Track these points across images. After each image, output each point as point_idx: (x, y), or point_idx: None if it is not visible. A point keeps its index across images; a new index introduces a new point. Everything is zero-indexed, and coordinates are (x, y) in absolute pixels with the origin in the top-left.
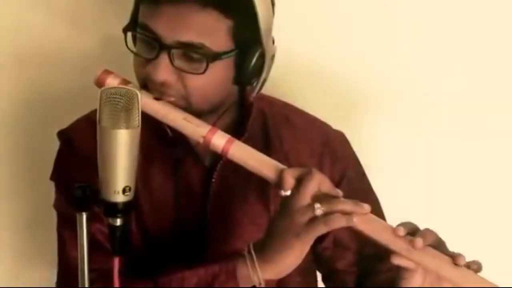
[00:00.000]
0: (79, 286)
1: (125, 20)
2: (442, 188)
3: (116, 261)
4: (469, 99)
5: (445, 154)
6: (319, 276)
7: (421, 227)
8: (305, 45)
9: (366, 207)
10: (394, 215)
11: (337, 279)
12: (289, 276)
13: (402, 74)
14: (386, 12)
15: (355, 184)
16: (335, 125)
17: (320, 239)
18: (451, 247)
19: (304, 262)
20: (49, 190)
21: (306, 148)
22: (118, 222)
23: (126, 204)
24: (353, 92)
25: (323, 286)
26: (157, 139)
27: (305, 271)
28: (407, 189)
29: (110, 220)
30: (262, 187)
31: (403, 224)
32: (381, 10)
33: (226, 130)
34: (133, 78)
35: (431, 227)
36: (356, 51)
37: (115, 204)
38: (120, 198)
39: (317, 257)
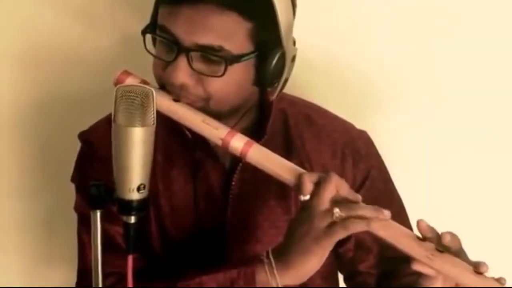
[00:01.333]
0: (93, 283)
1: (142, 19)
2: (455, 186)
3: (130, 259)
4: (483, 97)
5: (459, 152)
6: (340, 277)
7: (436, 225)
8: (319, 42)
9: (386, 213)
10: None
11: (359, 280)
12: (310, 279)
13: (416, 72)
14: (401, 8)
15: (378, 184)
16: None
17: (341, 242)
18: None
19: (324, 266)
20: (64, 191)
21: (328, 149)
22: (133, 219)
23: (140, 202)
24: (367, 90)
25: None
26: (177, 141)
27: (325, 274)
28: (421, 187)
29: (125, 218)
30: (283, 190)
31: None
32: (396, 7)
33: (246, 132)
34: (150, 79)
35: (447, 226)
36: (370, 49)
37: (129, 202)
38: (134, 196)
39: (339, 259)
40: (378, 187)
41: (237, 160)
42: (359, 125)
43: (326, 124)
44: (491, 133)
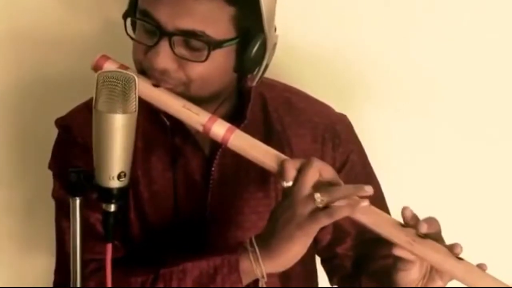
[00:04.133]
0: (72, 273)
1: (125, 4)
2: (445, 175)
3: (109, 247)
4: (475, 88)
5: (450, 142)
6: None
7: (422, 213)
8: (309, 32)
9: (367, 188)
10: (395, 202)
11: (335, 263)
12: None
13: (406, 61)
14: None
15: (357, 168)
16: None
17: None
18: (458, 237)
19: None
20: (44, 177)
21: (309, 133)
22: (112, 208)
23: (120, 190)
24: (356, 79)
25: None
26: (157, 127)
27: (305, 260)
28: (410, 176)
29: (104, 206)
30: (263, 175)
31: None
32: None
33: (226, 117)
34: (132, 64)
35: (434, 213)
36: (358, 37)
37: (109, 190)
38: (115, 183)
39: (317, 243)
40: (357, 171)
41: (217, 146)
42: (349, 115)
43: (306, 108)
44: (483, 123)
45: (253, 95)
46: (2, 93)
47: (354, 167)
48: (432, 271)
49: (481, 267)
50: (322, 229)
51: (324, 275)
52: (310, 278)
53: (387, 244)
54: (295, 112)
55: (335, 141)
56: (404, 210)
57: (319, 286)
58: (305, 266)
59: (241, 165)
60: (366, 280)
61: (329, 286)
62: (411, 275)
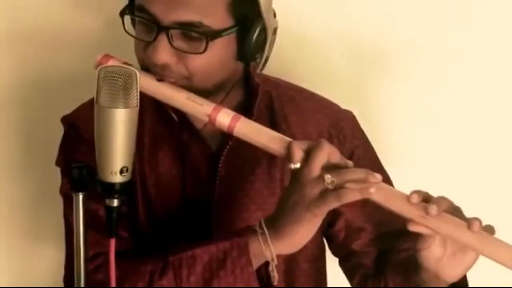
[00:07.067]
0: (76, 266)
1: (126, 2)
2: (458, 156)
3: (113, 242)
4: (491, 67)
5: (462, 122)
6: (330, 263)
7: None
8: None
9: (377, 176)
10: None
11: (354, 261)
12: (296, 263)
13: (424, 40)
14: None
15: (364, 162)
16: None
17: (331, 223)
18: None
19: (311, 249)
20: (50, 172)
21: (314, 130)
22: (115, 203)
23: (123, 185)
24: (373, 57)
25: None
26: (164, 124)
27: (312, 258)
28: (422, 155)
29: (107, 201)
30: (270, 172)
31: (416, 192)
32: None
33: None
34: (136, 62)
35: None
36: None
37: (112, 185)
38: (117, 178)
39: (331, 241)
40: (363, 166)
41: (224, 143)
42: (363, 93)
43: (311, 105)
44: (495, 103)
45: (260, 92)
46: (6, 91)
47: (360, 162)
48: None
49: (489, 230)
50: (334, 226)
51: (334, 276)
52: (318, 278)
53: (408, 236)
54: (299, 110)
55: (340, 137)
56: (410, 198)
57: (329, 286)
58: (312, 264)
59: (248, 162)
60: (391, 275)
61: (340, 286)
62: (433, 251)
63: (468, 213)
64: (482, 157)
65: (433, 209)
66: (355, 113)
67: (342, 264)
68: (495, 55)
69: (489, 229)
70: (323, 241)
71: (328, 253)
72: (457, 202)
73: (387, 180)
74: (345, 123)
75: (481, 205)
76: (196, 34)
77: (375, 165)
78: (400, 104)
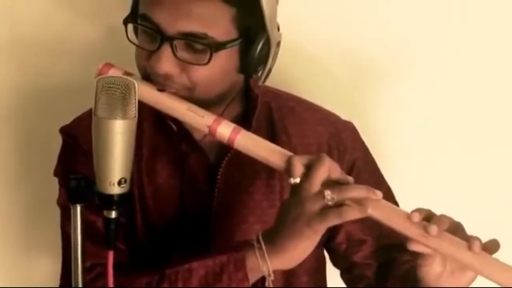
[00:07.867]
0: (73, 278)
1: (128, 11)
2: (456, 163)
3: (111, 254)
4: (488, 70)
5: (460, 126)
6: (330, 275)
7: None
8: (321, 14)
9: (378, 193)
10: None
11: (355, 273)
12: (295, 275)
13: (419, 45)
14: None
15: (364, 175)
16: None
17: (332, 236)
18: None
19: (310, 262)
20: (48, 181)
21: (314, 142)
22: (113, 214)
23: (121, 196)
24: (367, 64)
25: (332, 286)
26: (163, 135)
27: (312, 271)
28: (420, 162)
29: (105, 213)
30: (269, 184)
31: (417, 210)
32: None
33: (232, 123)
34: (136, 70)
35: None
36: (372, 23)
37: (110, 196)
38: (115, 190)
39: (333, 253)
40: (363, 178)
41: (223, 154)
42: (358, 100)
43: (311, 116)
44: (495, 109)
45: (260, 103)
46: (6, 100)
47: (360, 174)
48: None
49: (493, 246)
50: (335, 239)
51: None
52: None
53: (406, 248)
54: (299, 121)
55: (340, 148)
56: (411, 217)
57: None
58: (312, 276)
59: (247, 173)
60: (392, 285)
61: None
62: (433, 269)
63: (469, 218)
64: (482, 166)
65: (434, 229)
66: (355, 124)
67: (343, 276)
68: (494, 61)
69: (493, 245)
70: (323, 253)
71: (329, 264)
72: (457, 209)
73: (387, 190)
74: (346, 134)
75: (482, 211)
76: (200, 45)
77: (376, 177)
78: (400, 114)
